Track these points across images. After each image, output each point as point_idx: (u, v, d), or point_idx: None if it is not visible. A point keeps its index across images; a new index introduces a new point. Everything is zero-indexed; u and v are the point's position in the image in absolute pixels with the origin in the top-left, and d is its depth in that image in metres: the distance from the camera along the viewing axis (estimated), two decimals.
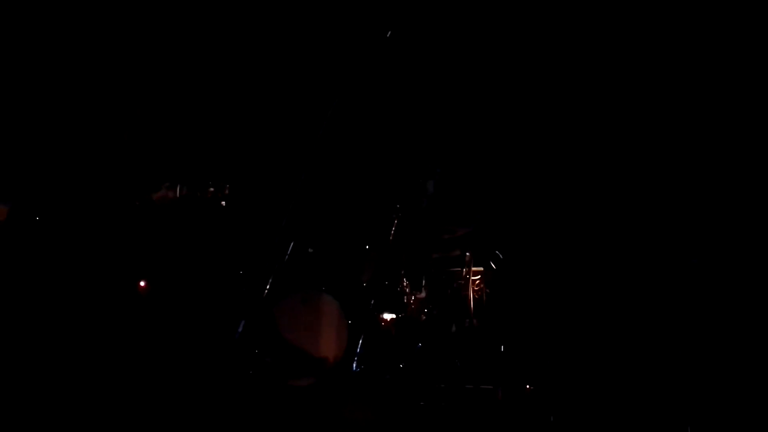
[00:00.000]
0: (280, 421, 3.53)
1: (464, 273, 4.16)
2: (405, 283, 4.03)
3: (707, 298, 3.93)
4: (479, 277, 4.24)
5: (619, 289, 4.17)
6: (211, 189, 3.72)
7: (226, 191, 3.71)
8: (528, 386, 3.86)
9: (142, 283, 3.67)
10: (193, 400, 3.42)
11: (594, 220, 4.36)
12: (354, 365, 3.61)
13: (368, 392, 3.68)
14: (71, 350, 3.53)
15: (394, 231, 4.00)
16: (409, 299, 4.03)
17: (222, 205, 3.74)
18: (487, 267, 4.25)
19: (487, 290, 4.23)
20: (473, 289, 4.19)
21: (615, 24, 4.32)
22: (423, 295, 4.06)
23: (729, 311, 3.91)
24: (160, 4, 4.27)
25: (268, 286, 3.47)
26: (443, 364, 3.93)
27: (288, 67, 4.42)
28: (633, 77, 4.34)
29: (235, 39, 4.39)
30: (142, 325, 3.67)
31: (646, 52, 4.30)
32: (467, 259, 4.18)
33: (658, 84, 4.32)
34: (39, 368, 3.47)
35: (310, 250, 3.95)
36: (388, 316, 3.95)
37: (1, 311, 3.52)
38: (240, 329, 3.42)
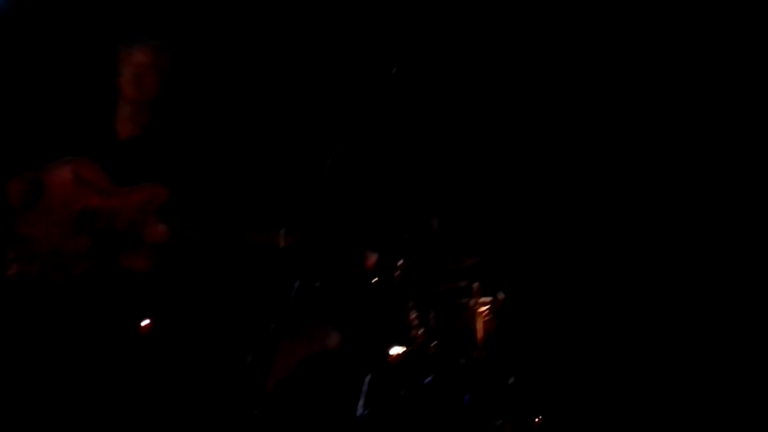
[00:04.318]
0: None
1: (472, 304, 4.11)
2: (413, 316, 3.98)
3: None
4: (487, 307, 4.19)
5: (631, 319, 4.12)
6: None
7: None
8: (537, 419, 3.80)
9: (144, 323, 3.65)
10: None
11: (605, 248, 4.32)
12: (360, 407, 3.56)
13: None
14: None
15: (401, 265, 3.97)
16: (416, 332, 3.98)
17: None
18: (495, 297, 4.20)
19: (496, 320, 4.18)
20: (482, 320, 4.14)
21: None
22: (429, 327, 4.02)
23: None
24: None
25: (275, 323, 3.43)
26: (452, 398, 3.88)
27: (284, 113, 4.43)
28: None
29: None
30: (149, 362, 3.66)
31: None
32: (475, 289, 4.13)
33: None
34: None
35: (318, 284, 3.92)
36: (395, 351, 3.90)
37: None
38: (247, 364, 3.39)
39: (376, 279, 3.97)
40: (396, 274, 3.94)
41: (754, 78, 4.05)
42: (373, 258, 3.97)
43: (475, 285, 4.22)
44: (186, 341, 3.72)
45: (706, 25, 4.11)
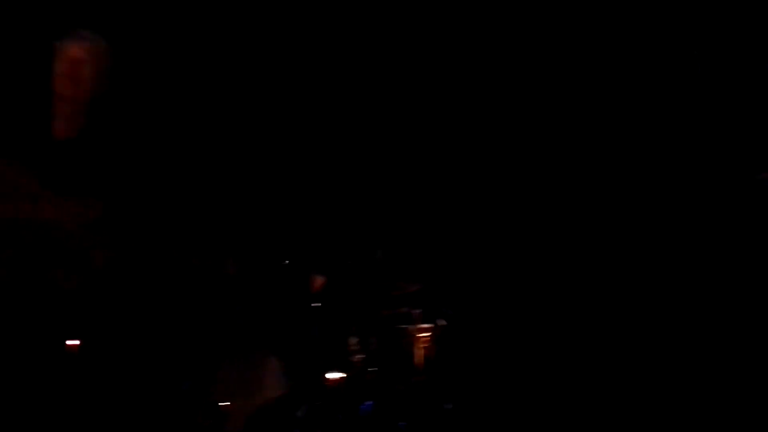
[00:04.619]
0: None
1: (412, 330, 4.11)
2: (353, 341, 3.95)
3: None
4: (427, 334, 4.19)
5: (573, 345, 4.17)
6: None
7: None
8: None
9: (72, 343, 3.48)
10: None
11: (546, 276, 4.36)
12: None
13: None
14: None
15: (343, 290, 3.94)
16: (356, 357, 3.95)
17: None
18: (436, 324, 4.20)
19: (436, 347, 4.18)
20: (421, 346, 4.14)
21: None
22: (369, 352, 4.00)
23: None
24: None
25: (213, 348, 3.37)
26: (389, 424, 3.87)
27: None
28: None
29: None
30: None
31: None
32: (416, 316, 4.13)
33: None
34: None
35: (257, 308, 3.84)
36: (333, 376, 3.86)
37: None
38: (185, 388, 3.32)
39: (318, 303, 3.92)
40: (338, 298, 3.90)
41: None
42: (320, 281, 3.91)
43: (417, 311, 4.23)
44: (120, 364, 3.56)
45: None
